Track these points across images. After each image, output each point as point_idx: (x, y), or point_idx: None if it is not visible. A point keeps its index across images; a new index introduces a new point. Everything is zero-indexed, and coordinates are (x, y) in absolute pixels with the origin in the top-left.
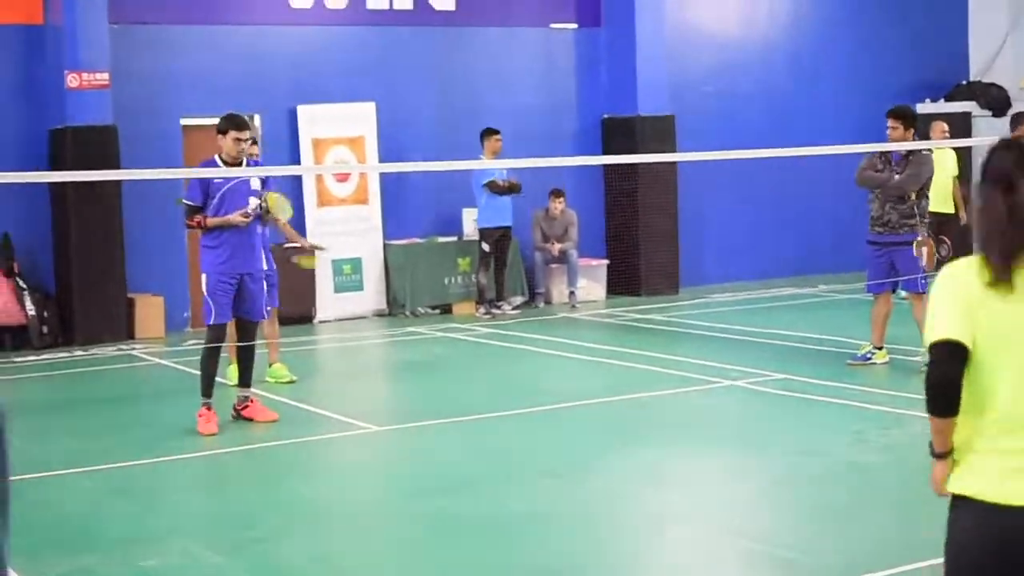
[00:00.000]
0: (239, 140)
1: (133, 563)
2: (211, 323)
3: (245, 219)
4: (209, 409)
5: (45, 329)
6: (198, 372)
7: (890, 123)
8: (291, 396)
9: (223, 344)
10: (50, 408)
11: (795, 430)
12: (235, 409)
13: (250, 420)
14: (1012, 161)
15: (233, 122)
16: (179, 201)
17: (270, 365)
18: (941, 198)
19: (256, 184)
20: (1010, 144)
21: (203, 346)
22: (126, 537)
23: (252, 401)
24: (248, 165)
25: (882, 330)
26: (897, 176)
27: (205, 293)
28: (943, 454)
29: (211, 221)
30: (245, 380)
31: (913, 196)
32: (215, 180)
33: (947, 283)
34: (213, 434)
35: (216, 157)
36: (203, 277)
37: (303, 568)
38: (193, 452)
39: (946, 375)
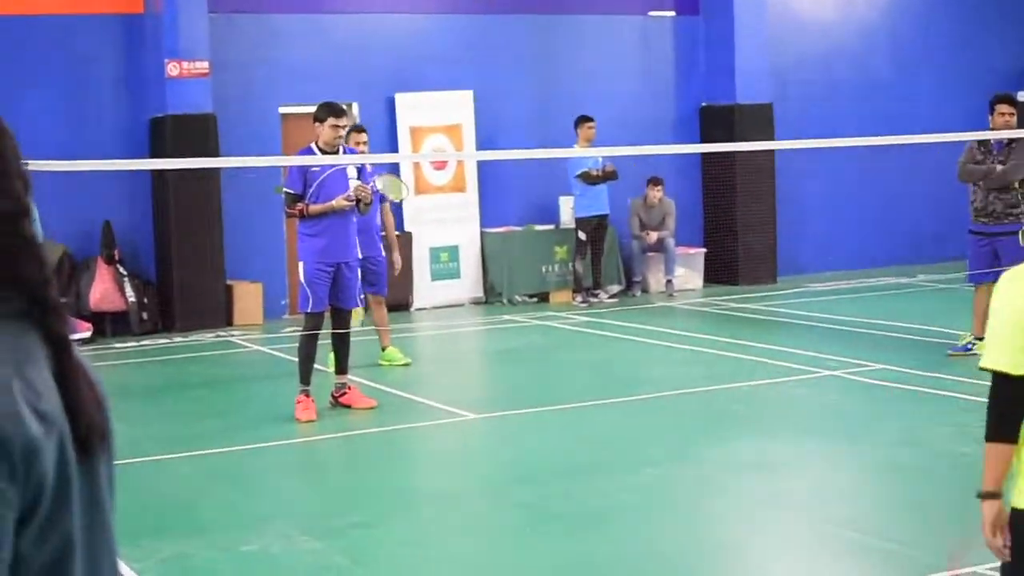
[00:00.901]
0: (337, 127)
1: (233, 548)
2: (308, 311)
3: (348, 203)
4: (307, 396)
5: (145, 315)
6: (296, 359)
7: (1004, 109)
8: (389, 383)
9: (320, 331)
10: (149, 393)
11: (895, 421)
12: (333, 396)
13: (348, 407)
14: None
15: (331, 110)
16: (278, 189)
17: (383, 350)
18: None
19: (352, 173)
20: None
21: (300, 333)
22: (225, 522)
23: (350, 388)
24: (346, 153)
25: (984, 320)
26: (1000, 166)
27: (303, 281)
28: (993, 494)
29: (313, 208)
30: (342, 367)
31: (1017, 185)
32: (312, 169)
33: (1010, 291)
34: (311, 421)
35: (312, 145)
36: (300, 265)
37: (400, 554)
38: (291, 438)
39: (1005, 402)
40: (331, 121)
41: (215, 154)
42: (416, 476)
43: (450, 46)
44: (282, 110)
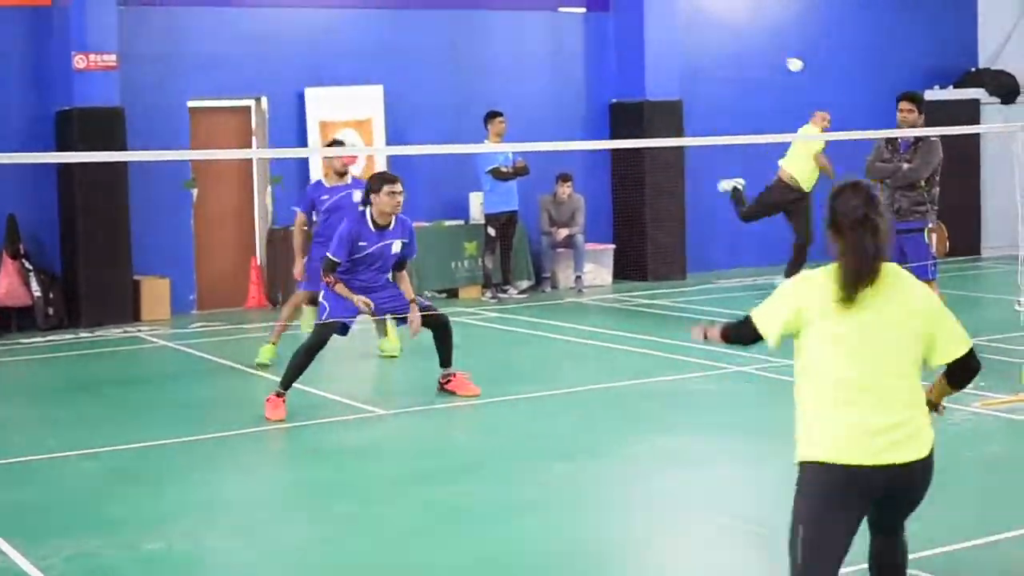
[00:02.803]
0: (394, 195)
1: (138, 546)
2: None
3: (367, 308)
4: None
5: (50, 311)
6: (202, 355)
7: (905, 107)
8: (298, 380)
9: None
10: (55, 390)
11: None
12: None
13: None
14: (864, 203)
15: (384, 180)
16: (187, 184)
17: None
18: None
19: (358, 197)
20: (857, 187)
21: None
22: (131, 520)
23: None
24: (352, 181)
25: None
26: (907, 165)
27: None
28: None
29: (339, 288)
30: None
31: (923, 183)
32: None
33: (797, 286)
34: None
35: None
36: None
37: (308, 552)
38: (199, 435)
39: (744, 338)
40: (387, 188)
41: (122, 148)
42: (325, 473)
43: (360, 40)
44: (191, 104)
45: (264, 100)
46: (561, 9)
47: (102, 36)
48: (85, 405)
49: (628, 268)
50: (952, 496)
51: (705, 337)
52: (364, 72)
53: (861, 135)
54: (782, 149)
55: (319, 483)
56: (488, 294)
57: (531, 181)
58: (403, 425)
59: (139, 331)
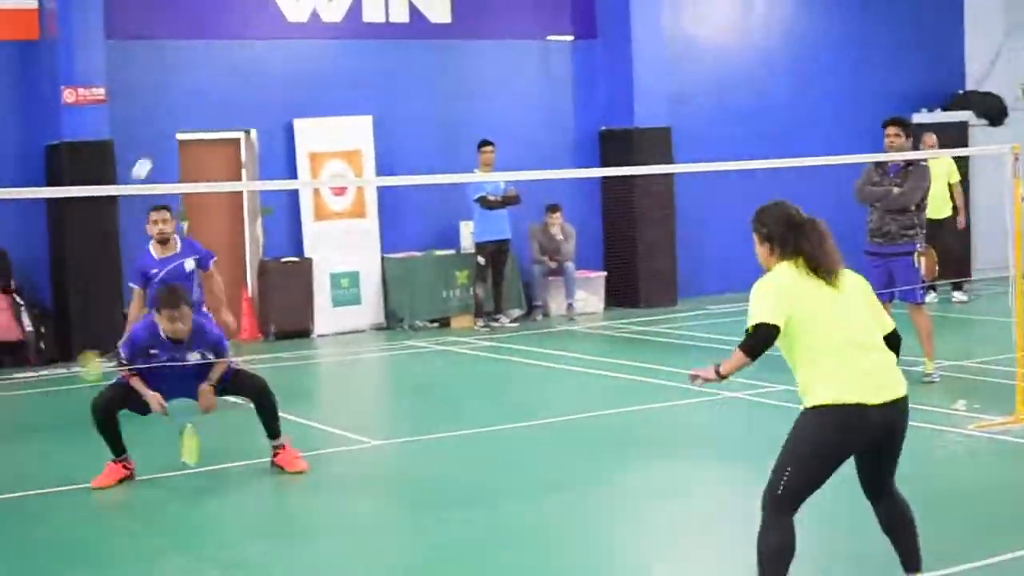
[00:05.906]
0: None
1: None
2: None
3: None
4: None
5: (42, 345)
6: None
7: (892, 132)
8: (290, 411)
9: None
10: (48, 425)
11: None
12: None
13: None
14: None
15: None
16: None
17: None
18: (936, 205)
19: (191, 265)
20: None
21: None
22: (125, 554)
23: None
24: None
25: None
26: (897, 189)
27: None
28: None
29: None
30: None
31: (913, 207)
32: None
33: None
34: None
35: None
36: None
37: None
38: (193, 468)
39: (767, 341)
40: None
41: (112, 181)
42: (319, 504)
43: (349, 71)
44: (180, 136)
45: (253, 132)
46: (549, 37)
47: (90, 70)
48: (78, 440)
49: (620, 295)
50: (947, 518)
51: (720, 376)
52: (353, 103)
53: (850, 159)
54: (769, 174)
55: (314, 515)
56: (480, 323)
57: (521, 210)
58: (396, 455)
59: None
